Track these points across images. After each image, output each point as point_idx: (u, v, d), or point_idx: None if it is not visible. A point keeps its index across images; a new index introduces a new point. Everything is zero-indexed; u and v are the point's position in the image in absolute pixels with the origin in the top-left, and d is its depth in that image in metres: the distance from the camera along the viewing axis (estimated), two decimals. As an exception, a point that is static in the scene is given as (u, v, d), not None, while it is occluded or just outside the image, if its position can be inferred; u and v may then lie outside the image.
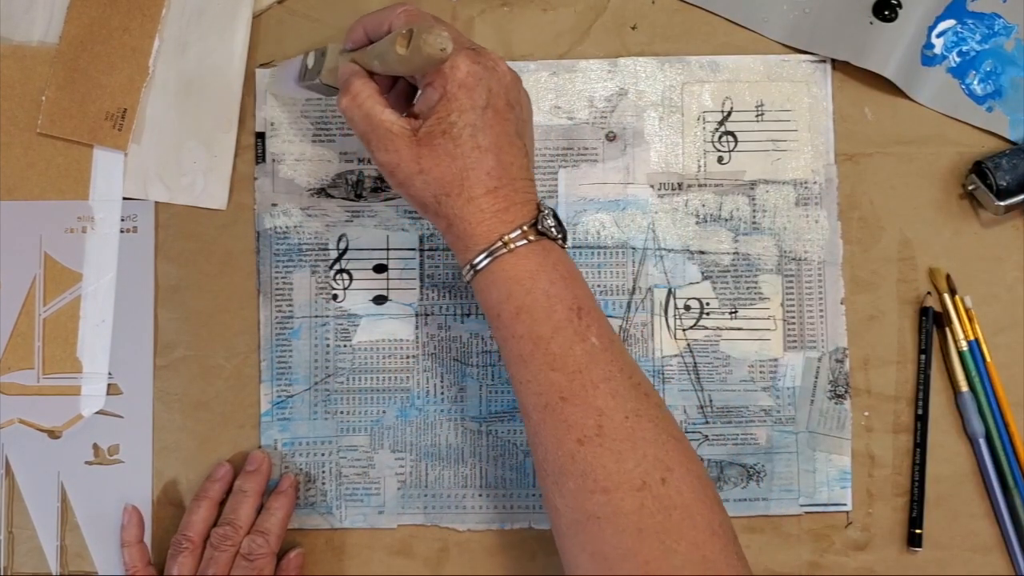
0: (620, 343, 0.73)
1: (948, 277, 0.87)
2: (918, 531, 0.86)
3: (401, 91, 0.80)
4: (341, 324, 0.88)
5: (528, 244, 0.71)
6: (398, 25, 0.74)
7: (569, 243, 0.74)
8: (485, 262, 0.71)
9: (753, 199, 0.88)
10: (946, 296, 0.87)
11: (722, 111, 0.89)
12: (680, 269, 0.88)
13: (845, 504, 0.86)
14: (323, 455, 0.88)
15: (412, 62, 0.70)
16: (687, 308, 0.88)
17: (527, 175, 0.73)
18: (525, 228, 0.71)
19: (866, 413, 0.87)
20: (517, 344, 0.71)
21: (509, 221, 0.71)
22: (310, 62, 0.84)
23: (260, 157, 0.89)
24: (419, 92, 0.74)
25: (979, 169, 0.86)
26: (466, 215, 0.71)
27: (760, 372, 0.87)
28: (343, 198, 0.89)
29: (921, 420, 0.86)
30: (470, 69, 0.70)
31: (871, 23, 0.88)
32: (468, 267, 0.72)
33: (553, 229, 0.72)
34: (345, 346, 0.88)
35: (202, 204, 0.89)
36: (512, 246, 0.70)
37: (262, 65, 0.90)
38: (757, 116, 0.89)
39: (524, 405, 0.72)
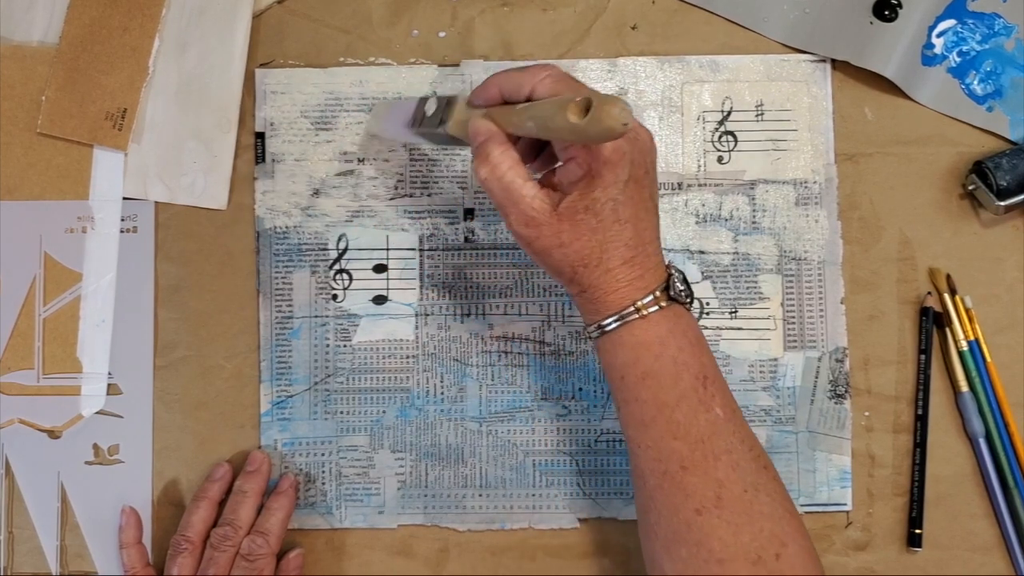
0: (741, 413, 0.72)
1: (948, 277, 0.87)
2: (918, 531, 0.86)
3: (527, 147, 0.76)
4: (341, 324, 0.88)
5: (660, 310, 0.70)
6: (543, 91, 0.70)
7: (691, 303, 0.73)
8: (614, 326, 0.71)
9: (753, 199, 0.88)
10: (946, 296, 0.87)
11: (722, 111, 0.89)
12: (680, 269, 0.88)
13: (845, 504, 0.86)
14: (323, 455, 0.88)
15: (587, 133, 0.65)
16: (687, 308, 0.88)
17: (657, 235, 0.73)
18: (658, 294, 0.70)
19: (866, 413, 0.87)
20: (640, 408, 0.71)
21: (643, 287, 0.70)
22: (429, 109, 0.80)
23: (260, 157, 0.89)
24: (560, 164, 0.72)
25: (979, 169, 0.86)
26: (602, 284, 0.71)
27: (760, 372, 0.87)
28: (343, 198, 0.89)
29: (921, 420, 0.86)
30: (616, 145, 0.68)
31: (871, 23, 0.88)
32: (596, 327, 0.72)
33: (683, 293, 0.72)
34: (345, 346, 0.88)
35: (202, 204, 0.89)
36: (644, 312, 0.70)
37: (262, 65, 0.90)
38: (757, 116, 0.89)
39: (640, 469, 0.71)
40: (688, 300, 0.72)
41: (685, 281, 0.72)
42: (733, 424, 0.70)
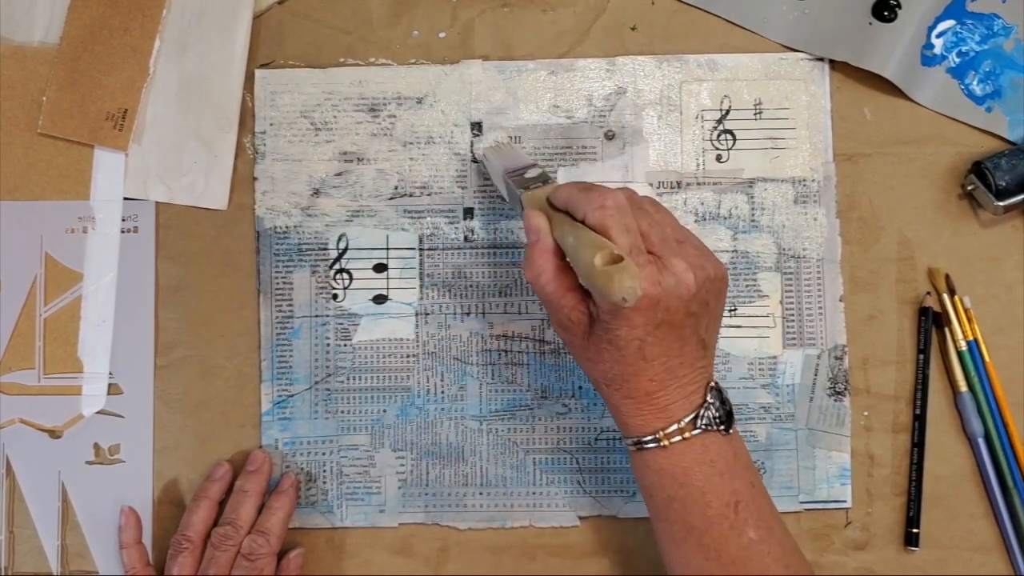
0: (780, 527, 0.72)
1: (947, 277, 0.87)
2: (915, 531, 0.86)
3: None
4: (341, 323, 0.88)
5: (684, 440, 0.70)
6: (591, 220, 0.68)
7: (734, 427, 0.72)
8: (638, 448, 0.71)
9: (752, 197, 0.88)
10: (945, 296, 0.87)
11: (720, 109, 0.89)
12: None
13: (845, 501, 0.86)
14: (324, 454, 0.88)
15: (593, 282, 0.66)
16: (686, 306, 0.88)
17: (699, 364, 0.71)
18: (682, 424, 0.70)
19: (865, 413, 0.87)
20: (669, 527, 0.71)
21: (666, 418, 0.70)
22: (530, 172, 0.79)
23: (260, 157, 0.89)
24: None
25: (978, 169, 0.86)
26: (623, 408, 0.71)
27: (759, 369, 0.88)
28: (343, 198, 0.89)
29: (919, 420, 0.86)
30: (647, 293, 0.66)
31: (870, 23, 0.88)
32: (626, 442, 0.73)
33: (716, 421, 0.70)
34: (345, 345, 0.88)
35: (202, 204, 0.89)
36: (666, 442, 0.70)
37: (262, 65, 0.90)
38: (755, 114, 0.89)
39: None
40: (722, 428, 0.71)
41: (722, 405, 0.71)
42: (767, 545, 0.70)
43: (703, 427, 0.70)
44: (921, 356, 0.87)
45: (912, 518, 0.86)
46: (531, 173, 0.79)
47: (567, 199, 0.72)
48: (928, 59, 0.89)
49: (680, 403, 0.70)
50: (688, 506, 0.70)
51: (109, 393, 0.88)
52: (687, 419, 0.70)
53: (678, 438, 0.69)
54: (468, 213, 0.89)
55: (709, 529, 0.69)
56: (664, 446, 0.70)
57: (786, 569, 0.70)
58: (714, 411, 0.71)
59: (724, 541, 0.69)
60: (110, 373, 0.88)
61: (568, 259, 0.71)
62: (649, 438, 0.70)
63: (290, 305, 0.89)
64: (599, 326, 0.69)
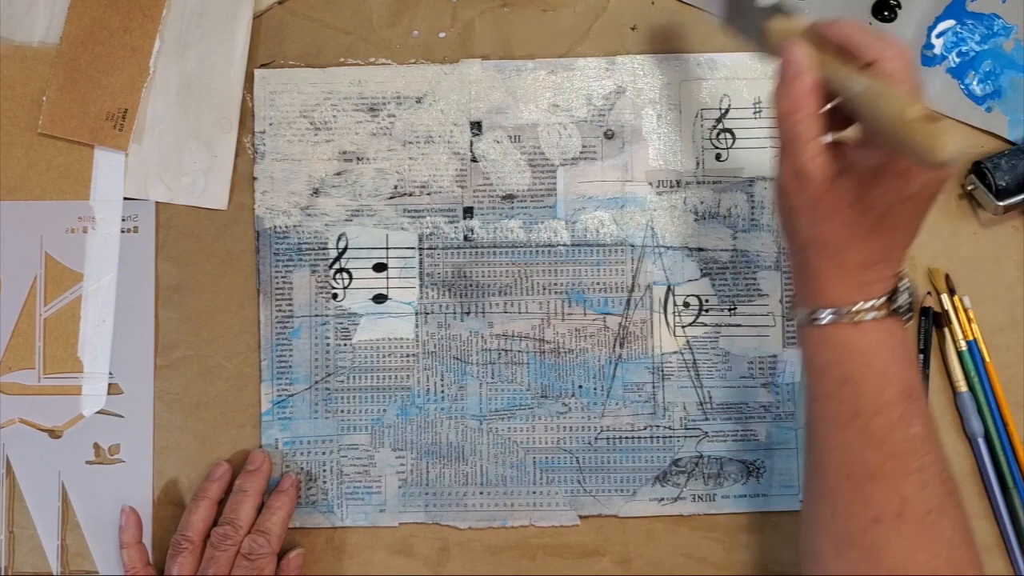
0: (937, 432, 0.69)
1: (947, 277, 0.87)
2: (915, 530, 0.86)
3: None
4: (341, 323, 0.88)
5: (876, 320, 0.68)
6: (888, 67, 0.63)
7: (909, 319, 0.70)
8: (828, 319, 0.68)
9: (751, 196, 0.88)
10: (945, 296, 0.87)
11: (720, 108, 0.89)
12: (679, 266, 0.88)
13: (845, 499, 0.86)
14: (324, 454, 0.88)
15: (907, 136, 0.60)
16: (686, 305, 0.88)
17: (906, 253, 0.70)
18: (879, 303, 0.68)
19: (866, 412, 0.87)
20: (835, 408, 0.69)
21: (867, 293, 0.68)
22: (764, 1, 0.74)
23: (260, 157, 0.89)
24: (861, 135, 0.68)
25: (978, 169, 0.86)
26: (829, 275, 0.68)
27: (759, 368, 0.87)
28: (342, 197, 0.89)
29: (920, 419, 0.87)
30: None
31: (870, 24, 0.88)
32: (807, 314, 0.70)
33: (903, 308, 0.69)
34: (345, 345, 0.88)
35: (202, 204, 0.89)
36: (858, 318, 0.68)
37: (262, 65, 0.90)
38: (755, 113, 0.89)
39: (821, 464, 0.70)
40: (907, 316, 0.69)
41: (911, 296, 0.70)
42: (929, 444, 0.67)
43: (894, 310, 0.68)
44: (921, 356, 0.87)
45: (912, 517, 0.86)
46: (766, 1, 0.74)
47: (850, 37, 0.66)
48: (928, 59, 0.89)
49: (881, 283, 0.68)
50: (862, 388, 0.67)
51: (109, 393, 0.88)
52: (884, 298, 0.68)
53: (872, 315, 0.67)
54: (468, 212, 0.89)
55: (878, 415, 0.67)
56: (856, 321, 0.67)
57: (940, 474, 0.67)
58: (906, 295, 0.69)
59: (890, 430, 0.67)
60: (110, 373, 0.88)
61: (850, 106, 0.66)
62: (847, 310, 0.68)
63: (290, 305, 0.89)
64: (848, 182, 0.66)
